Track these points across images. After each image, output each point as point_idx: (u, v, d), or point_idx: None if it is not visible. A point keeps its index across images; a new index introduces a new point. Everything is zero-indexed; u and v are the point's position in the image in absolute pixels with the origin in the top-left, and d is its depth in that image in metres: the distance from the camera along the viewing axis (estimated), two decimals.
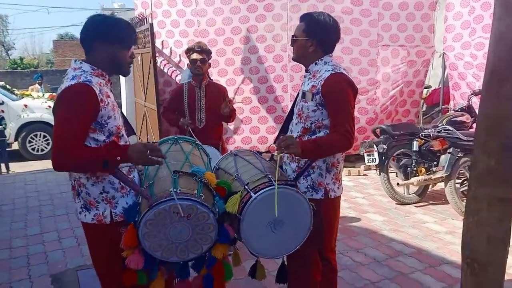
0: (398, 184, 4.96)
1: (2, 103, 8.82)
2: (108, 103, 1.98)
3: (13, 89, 10.75)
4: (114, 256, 1.96)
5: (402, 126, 5.36)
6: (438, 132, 4.90)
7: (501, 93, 1.50)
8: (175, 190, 1.89)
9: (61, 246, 4.10)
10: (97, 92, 1.92)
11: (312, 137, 2.33)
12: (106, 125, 1.97)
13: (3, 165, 7.74)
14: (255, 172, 2.20)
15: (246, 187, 2.06)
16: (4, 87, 9.95)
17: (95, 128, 1.94)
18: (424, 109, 8.49)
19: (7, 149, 9.04)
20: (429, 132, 4.98)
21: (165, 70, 6.15)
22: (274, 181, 2.05)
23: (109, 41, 2.00)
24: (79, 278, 3.42)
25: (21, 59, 28.94)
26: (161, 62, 6.10)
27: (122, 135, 2.08)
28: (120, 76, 8.47)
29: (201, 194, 1.94)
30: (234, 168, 2.29)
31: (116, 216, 2.00)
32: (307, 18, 2.38)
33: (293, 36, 2.42)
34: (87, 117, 1.89)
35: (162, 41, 6.10)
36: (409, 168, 4.99)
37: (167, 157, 2.22)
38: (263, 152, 2.78)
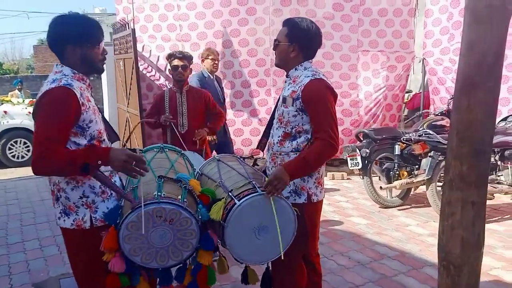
0: (381, 187, 5.02)
1: None
2: (89, 107, 1.97)
3: None
4: (94, 261, 1.93)
5: (384, 130, 5.44)
6: (419, 136, 4.98)
7: (472, 99, 1.54)
8: (159, 193, 1.89)
9: (42, 255, 4.03)
10: (78, 95, 1.90)
11: (293, 142, 2.35)
12: (87, 129, 1.95)
13: None
14: (239, 178, 2.20)
15: (230, 193, 2.06)
16: None
17: (76, 132, 1.92)
18: (405, 113, 8.63)
19: None
20: (410, 136, 5.06)
21: (147, 75, 6.13)
22: (259, 187, 2.06)
23: (77, 43, 1.98)
24: (61, 287, 3.36)
25: (1, 64, 28.42)
26: (143, 67, 6.07)
27: (104, 139, 2.06)
28: (102, 81, 8.37)
29: (185, 200, 1.94)
30: (218, 175, 2.29)
31: (96, 221, 1.98)
32: (290, 23, 2.40)
33: (275, 40, 2.43)
34: (68, 121, 1.87)
35: (143, 46, 6.08)
36: (391, 172, 5.06)
37: (153, 164, 2.22)
38: (246, 158, 2.79)
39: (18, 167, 8.48)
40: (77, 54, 1.99)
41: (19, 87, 12.48)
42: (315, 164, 2.27)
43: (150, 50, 6.13)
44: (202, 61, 4.91)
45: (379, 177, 5.35)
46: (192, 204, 2.01)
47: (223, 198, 2.06)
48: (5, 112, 8.87)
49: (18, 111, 8.98)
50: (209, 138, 4.16)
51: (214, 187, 2.20)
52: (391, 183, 5.01)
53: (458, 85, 1.60)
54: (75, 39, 1.98)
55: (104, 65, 2.15)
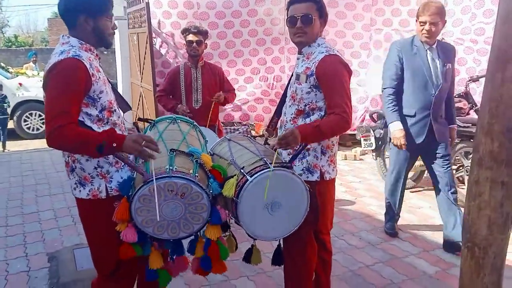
0: None
1: None
2: (99, 77, 1.96)
3: (8, 67, 10.66)
4: (109, 231, 1.95)
5: None
6: None
7: (506, 75, 1.47)
8: (171, 167, 1.89)
9: (57, 225, 4.11)
10: (88, 66, 1.89)
11: (307, 119, 2.33)
12: (98, 100, 1.95)
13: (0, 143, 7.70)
14: (250, 155, 2.19)
15: (242, 170, 2.06)
16: None
17: (87, 103, 1.92)
18: None
19: None
20: None
21: (163, 52, 6.09)
22: (270, 163, 2.05)
23: (90, 13, 1.96)
24: (75, 257, 3.43)
25: (16, 37, 28.54)
26: (158, 44, 6.02)
27: (115, 110, 2.06)
28: (116, 56, 8.35)
29: (196, 175, 1.94)
30: (229, 153, 2.28)
31: (112, 191, 2.00)
32: None
33: (309, 15, 2.29)
34: (79, 92, 1.87)
35: (159, 21, 6.02)
36: None
37: (165, 135, 2.21)
38: (257, 136, 2.78)
39: (33, 139, 8.61)
40: (89, 24, 1.98)
41: (34, 59, 12.55)
42: (327, 134, 2.25)
43: (159, 25, 6.07)
44: None
45: None
46: (203, 178, 2.00)
47: (235, 175, 2.06)
48: (20, 84, 8.96)
49: (33, 84, 9.05)
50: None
51: (226, 165, 2.19)
52: None
53: (491, 60, 1.53)
54: (89, 9, 1.96)
55: (114, 37, 2.13)
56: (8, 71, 9.98)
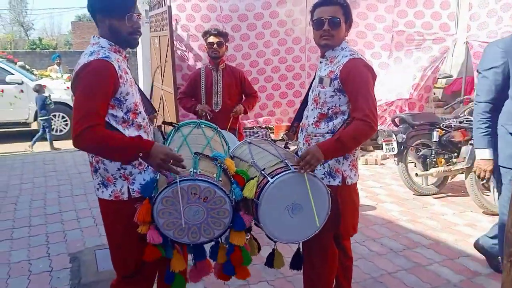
0: (416, 174, 4.89)
1: (22, 83, 8.93)
2: (127, 79, 1.97)
3: (32, 69, 10.87)
4: (130, 232, 1.95)
5: (422, 116, 5.26)
6: (460, 122, 4.81)
7: None
8: (195, 170, 1.88)
9: (79, 226, 4.16)
10: (116, 68, 1.90)
11: (329, 123, 2.30)
12: (124, 102, 1.96)
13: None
14: (271, 158, 2.18)
15: (263, 172, 2.04)
16: (23, 67, 10.07)
17: (114, 105, 1.93)
18: (440, 97, 8.37)
19: (28, 128, 9.23)
20: (450, 123, 4.89)
21: (188, 55, 6.17)
22: (291, 165, 2.03)
23: (104, 13, 1.98)
24: (96, 257, 3.47)
25: (40, 39, 29.18)
26: (182, 49, 6.09)
27: (140, 112, 2.06)
28: (138, 59, 8.44)
29: (220, 179, 1.93)
30: (250, 155, 2.28)
31: (134, 192, 2.01)
32: (340, 2, 2.31)
33: (336, 18, 2.27)
34: (107, 94, 1.87)
35: (182, 25, 6.07)
36: (428, 159, 4.91)
37: (189, 139, 2.21)
38: (277, 140, 2.76)
39: (57, 140, 8.75)
40: (105, 24, 1.99)
41: (58, 61, 12.77)
42: (351, 145, 2.20)
43: (188, 30, 6.13)
44: None
45: (415, 163, 5.21)
46: (226, 183, 1.99)
47: (255, 176, 2.04)
48: (44, 86, 9.12)
49: (57, 86, 9.23)
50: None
51: (246, 168, 2.18)
52: (427, 170, 4.87)
53: None
54: (101, 9, 1.98)
55: (137, 40, 2.12)
56: (33, 73, 10.19)
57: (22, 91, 8.92)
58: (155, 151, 1.84)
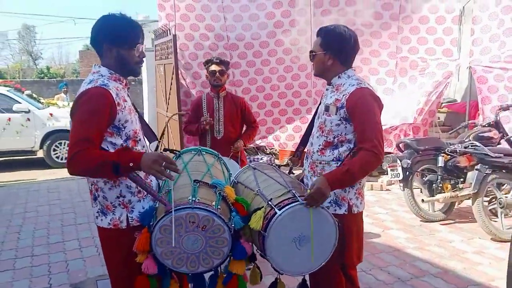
0: (423, 200, 4.83)
1: (29, 111, 9.02)
2: (125, 107, 1.98)
3: (39, 98, 11.01)
4: (129, 261, 1.93)
5: (426, 141, 5.24)
6: (465, 147, 4.77)
7: None
8: (193, 199, 1.86)
9: (81, 255, 4.12)
10: (114, 95, 1.91)
11: (335, 151, 2.28)
12: (123, 129, 1.96)
13: None
14: (278, 187, 2.15)
15: (270, 202, 2.01)
16: (30, 96, 10.20)
17: (112, 132, 1.94)
18: (445, 122, 8.35)
19: (34, 156, 9.29)
20: (455, 148, 4.85)
21: (196, 83, 6.27)
22: (299, 196, 2.00)
23: (113, 43, 2.00)
24: None
25: (48, 68, 29.72)
26: (192, 75, 6.22)
27: (140, 139, 2.06)
28: (143, 86, 8.56)
29: (219, 207, 1.91)
30: (255, 183, 2.25)
31: (133, 221, 1.99)
32: (322, 32, 2.38)
33: (311, 51, 2.42)
34: (103, 121, 1.88)
35: (189, 54, 6.19)
36: (434, 184, 4.86)
37: (189, 166, 2.20)
38: (282, 166, 2.75)
39: (62, 168, 8.77)
40: (112, 53, 2.01)
41: (65, 90, 12.96)
42: (359, 176, 2.20)
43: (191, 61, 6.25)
44: None
45: (421, 189, 5.16)
46: (226, 211, 1.97)
47: (262, 207, 2.01)
48: (51, 114, 9.23)
49: (63, 114, 9.30)
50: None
51: (252, 196, 2.16)
52: (433, 196, 4.81)
53: None
54: (110, 39, 2.00)
55: (142, 68, 2.15)
56: (40, 102, 10.32)
57: (28, 119, 8.99)
58: (145, 156, 1.83)
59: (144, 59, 2.13)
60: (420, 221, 4.93)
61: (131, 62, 2.05)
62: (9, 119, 8.85)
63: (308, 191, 2.05)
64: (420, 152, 4.93)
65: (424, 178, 5.00)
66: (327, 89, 2.44)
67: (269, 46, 6.31)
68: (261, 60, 6.35)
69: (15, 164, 9.46)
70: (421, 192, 5.18)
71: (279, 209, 1.95)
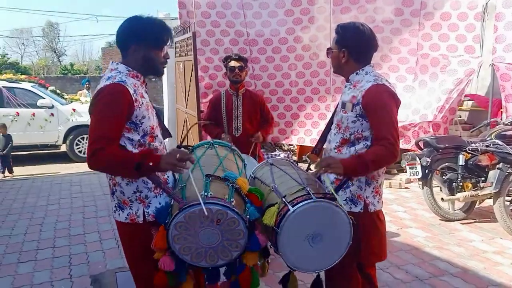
0: (442, 199, 4.76)
1: (52, 106, 9.23)
2: (142, 103, 2.01)
3: (63, 93, 11.23)
4: (146, 255, 1.96)
5: (447, 139, 5.16)
6: (487, 146, 4.68)
7: None
8: (205, 194, 1.88)
9: (101, 247, 4.21)
10: (131, 92, 1.95)
11: (351, 148, 2.27)
12: (140, 125, 2.00)
13: None
14: (293, 183, 2.15)
15: (284, 199, 2.02)
16: (54, 92, 10.42)
17: (130, 128, 1.98)
18: (466, 120, 8.19)
19: (57, 151, 9.51)
20: (476, 146, 4.77)
21: (215, 78, 6.36)
22: (313, 194, 2.01)
23: (141, 43, 2.03)
24: (117, 280, 3.48)
25: (72, 65, 30.28)
26: (213, 69, 6.32)
27: (157, 135, 2.10)
28: (163, 83, 8.70)
29: (232, 200, 1.92)
30: (271, 179, 2.26)
31: (149, 216, 2.03)
32: (339, 29, 2.38)
33: (328, 48, 2.44)
34: (121, 117, 1.92)
35: (211, 49, 6.28)
36: (454, 183, 4.78)
37: (202, 161, 2.22)
38: (300, 162, 2.74)
39: (84, 162, 8.88)
40: (140, 53, 2.05)
41: (87, 86, 13.18)
42: (371, 166, 2.16)
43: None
44: None
45: (440, 188, 5.09)
46: (240, 203, 1.98)
47: (276, 203, 2.02)
48: (74, 110, 9.43)
49: (85, 110, 9.40)
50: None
51: (267, 192, 2.17)
52: (453, 195, 4.74)
53: None
54: (139, 39, 2.04)
55: (165, 69, 2.19)
56: (63, 98, 10.54)
57: (52, 114, 9.21)
58: (163, 156, 1.91)
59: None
60: (440, 220, 4.86)
61: (157, 62, 2.10)
62: (34, 114, 9.08)
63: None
64: (440, 150, 4.85)
65: (444, 177, 4.93)
66: (345, 86, 2.43)
67: (288, 43, 6.32)
68: (280, 56, 6.36)
69: (39, 158, 9.71)
70: (440, 190, 5.11)
71: (293, 206, 1.96)
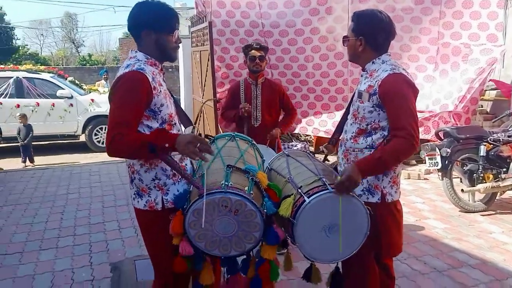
0: (462, 190, 4.69)
1: (71, 97, 9.35)
2: (160, 91, 2.02)
3: (81, 84, 11.37)
4: (166, 242, 1.99)
5: (468, 129, 5.06)
6: (509, 136, 4.58)
7: None
8: (226, 183, 1.89)
9: (120, 236, 4.27)
10: (150, 79, 1.96)
11: (368, 138, 2.24)
12: (159, 113, 2.01)
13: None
14: (309, 174, 2.14)
15: (299, 190, 2.02)
16: (73, 82, 10.56)
17: (149, 115, 1.99)
18: (489, 110, 8.00)
19: (76, 141, 9.67)
20: (498, 137, 4.67)
21: (231, 67, 6.35)
22: (329, 184, 1.99)
23: (153, 28, 2.04)
24: (136, 268, 3.54)
25: (90, 56, 30.61)
26: (229, 59, 6.29)
27: (175, 123, 2.11)
28: (179, 73, 8.75)
29: (251, 192, 1.93)
30: (287, 170, 2.25)
31: (167, 203, 2.05)
32: (355, 17, 2.33)
33: (344, 36, 2.39)
34: (140, 104, 1.94)
35: (227, 39, 6.25)
36: (475, 174, 4.70)
37: (223, 152, 2.23)
38: (316, 153, 2.72)
39: (103, 152, 9.06)
40: (151, 39, 2.06)
41: (105, 76, 13.31)
42: (391, 164, 2.14)
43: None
44: None
45: (460, 179, 5.00)
46: (258, 196, 1.99)
47: (292, 194, 2.02)
48: (92, 100, 9.54)
49: (104, 100, 9.58)
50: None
51: (283, 183, 2.16)
52: (474, 186, 4.66)
53: None
54: (150, 24, 2.04)
55: (179, 55, 2.19)
56: (82, 88, 10.66)
57: (71, 105, 9.34)
58: (180, 137, 1.89)
59: (180, 45, 2.18)
60: (459, 211, 4.79)
61: (169, 47, 2.11)
62: (53, 104, 9.22)
63: (339, 178, 2.03)
64: (461, 141, 4.77)
65: (464, 168, 4.85)
66: (361, 75, 2.39)
67: (304, 34, 6.22)
68: (296, 48, 6.27)
69: (58, 148, 9.88)
70: (460, 181, 5.03)
71: (308, 197, 1.95)
